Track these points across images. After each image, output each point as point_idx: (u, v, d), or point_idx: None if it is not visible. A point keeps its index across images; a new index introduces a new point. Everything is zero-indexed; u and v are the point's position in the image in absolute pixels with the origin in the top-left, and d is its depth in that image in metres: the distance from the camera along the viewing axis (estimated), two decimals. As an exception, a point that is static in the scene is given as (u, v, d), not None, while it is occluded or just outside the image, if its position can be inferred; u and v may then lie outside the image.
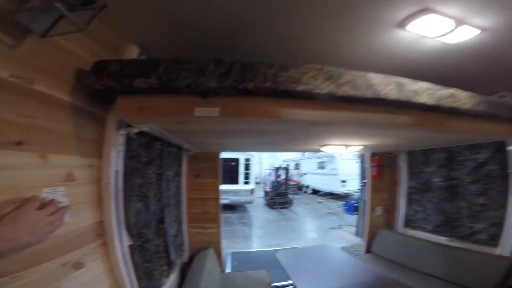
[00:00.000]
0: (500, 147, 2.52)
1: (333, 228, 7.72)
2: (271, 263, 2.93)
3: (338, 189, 12.19)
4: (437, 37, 1.53)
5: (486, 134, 1.90)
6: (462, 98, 1.43)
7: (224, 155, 8.76)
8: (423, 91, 1.29)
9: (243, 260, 4.54)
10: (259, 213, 10.22)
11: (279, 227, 8.12)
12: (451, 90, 1.42)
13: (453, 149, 2.96)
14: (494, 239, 2.55)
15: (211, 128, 1.55)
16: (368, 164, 3.77)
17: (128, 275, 1.36)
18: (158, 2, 1.29)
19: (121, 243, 1.32)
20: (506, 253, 2.39)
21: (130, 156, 1.47)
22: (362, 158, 4.09)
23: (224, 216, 9.02)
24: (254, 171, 10.33)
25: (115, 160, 1.31)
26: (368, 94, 1.15)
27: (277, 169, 11.78)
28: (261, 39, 1.72)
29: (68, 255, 1.02)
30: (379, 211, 3.83)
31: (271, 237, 6.88)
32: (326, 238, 6.87)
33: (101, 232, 1.25)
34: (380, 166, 3.75)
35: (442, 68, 2.01)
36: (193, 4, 1.30)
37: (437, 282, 2.62)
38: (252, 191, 9.65)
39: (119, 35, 1.43)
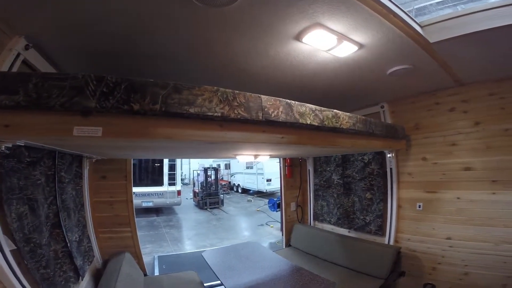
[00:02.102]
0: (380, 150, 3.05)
1: (262, 225, 8.12)
2: (203, 264, 2.93)
3: (265, 187, 12.97)
4: (327, 50, 1.76)
5: (365, 148, 2.27)
6: (343, 118, 1.68)
7: (145, 157, 8.25)
8: (310, 113, 1.46)
9: (173, 263, 4.46)
10: (188, 214, 9.99)
11: (210, 227, 8.11)
12: (335, 111, 1.65)
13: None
14: (381, 229, 3.08)
15: (101, 144, 1.42)
16: (281, 164, 4.09)
17: (18, 281, 1.30)
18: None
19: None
20: (391, 241, 2.92)
21: (7, 156, 1.32)
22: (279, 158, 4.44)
23: (148, 220, 8.54)
24: (180, 171, 10.00)
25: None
26: (260, 116, 1.23)
27: (206, 169, 11.67)
28: (170, 46, 1.72)
29: None
30: (293, 206, 4.19)
31: (202, 238, 6.82)
32: (256, 235, 7.18)
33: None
34: (291, 166, 4.11)
35: (334, 78, 2.32)
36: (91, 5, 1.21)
37: (341, 271, 2.98)
38: (178, 192, 9.35)
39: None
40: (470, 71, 2.22)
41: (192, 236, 7.14)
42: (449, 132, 2.57)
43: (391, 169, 2.99)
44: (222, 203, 11.39)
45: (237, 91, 1.21)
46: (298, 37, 1.61)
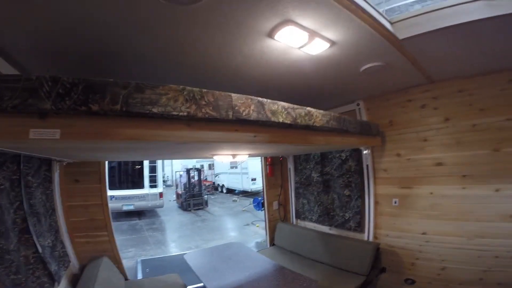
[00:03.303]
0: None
1: (248, 224, 8.10)
2: (188, 267, 2.91)
3: (250, 187, 12.95)
4: (300, 47, 1.75)
5: (340, 145, 2.29)
6: (316, 116, 1.68)
7: (124, 159, 8.02)
8: (282, 111, 1.45)
9: (157, 267, 4.37)
10: (172, 216, 9.82)
11: (195, 229, 8.00)
12: (308, 109, 1.65)
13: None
14: (360, 226, 3.12)
15: (64, 147, 1.35)
16: (262, 163, 4.08)
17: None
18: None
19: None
20: (370, 237, 2.96)
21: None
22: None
23: (130, 223, 8.32)
24: (162, 173, 9.81)
25: None
26: (230, 115, 1.20)
27: (188, 170, 11.51)
28: (139, 46, 1.67)
29: None
30: (275, 205, 4.20)
31: (187, 240, 6.70)
32: (243, 235, 7.16)
33: None
34: (272, 164, 4.11)
35: (310, 76, 2.32)
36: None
37: (324, 268, 3.01)
38: (161, 194, 9.17)
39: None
40: (440, 68, 2.28)
41: (176, 238, 7.01)
42: (421, 128, 2.65)
43: (367, 165, 3.04)
44: (207, 204, 11.26)
45: (205, 90, 1.17)
46: (270, 34, 1.59)
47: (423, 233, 2.61)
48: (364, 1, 1.49)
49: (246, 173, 13.10)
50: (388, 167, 2.92)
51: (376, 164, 3.02)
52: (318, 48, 1.75)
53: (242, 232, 7.49)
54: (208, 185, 15.44)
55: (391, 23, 1.74)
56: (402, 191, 2.79)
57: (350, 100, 3.19)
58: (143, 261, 4.69)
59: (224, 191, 15.83)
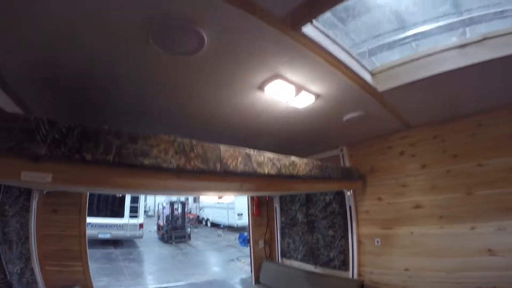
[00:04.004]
0: (340, 190, 3.21)
1: (233, 260, 7.82)
2: None
3: (236, 222, 12.73)
4: (288, 101, 1.86)
5: (322, 190, 2.37)
6: (300, 165, 1.76)
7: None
8: (268, 162, 1.52)
9: None
10: (151, 248, 9.36)
11: (175, 262, 7.65)
12: (292, 159, 1.74)
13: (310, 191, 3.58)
14: (344, 264, 3.13)
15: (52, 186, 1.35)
16: (249, 202, 4.12)
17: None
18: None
19: None
20: (354, 275, 2.98)
21: None
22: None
23: (105, 252, 7.84)
24: (143, 204, 9.55)
25: None
26: (218, 167, 1.26)
27: (172, 203, 11.24)
28: (133, 89, 1.72)
29: None
30: (261, 244, 4.17)
31: (166, 273, 6.35)
32: (227, 270, 6.88)
33: None
34: (258, 205, 4.17)
35: (296, 125, 2.44)
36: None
37: None
38: (141, 225, 8.83)
39: None
40: (416, 115, 2.44)
41: (154, 271, 6.64)
42: (400, 174, 2.79)
43: (350, 207, 3.12)
44: (189, 237, 10.86)
45: (195, 142, 1.23)
46: (260, 87, 1.69)
47: (406, 269, 2.65)
48: (348, 54, 1.62)
49: (233, 208, 12.95)
50: (370, 210, 3.01)
51: (358, 207, 3.10)
52: (305, 101, 1.87)
53: (226, 267, 7.20)
54: (192, 218, 15.03)
55: (372, 75, 1.87)
56: (384, 232, 2.86)
57: (334, 146, 3.33)
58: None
59: (209, 225, 15.51)
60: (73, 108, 1.92)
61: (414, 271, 2.60)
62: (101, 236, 8.21)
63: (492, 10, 1.66)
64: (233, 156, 1.34)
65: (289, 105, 1.96)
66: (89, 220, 7.73)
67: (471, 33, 1.78)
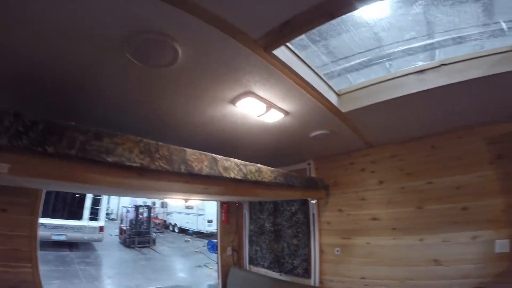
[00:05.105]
0: (305, 201, 3.36)
1: (200, 266, 7.68)
2: None
3: (205, 228, 12.53)
4: (258, 116, 1.94)
5: (287, 197, 2.47)
6: (265, 172, 1.84)
7: (66, 188, 7.33)
8: (234, 167, 1.58)
9: None
10: (111, 252, 8.91)
11: (137, 267, 7.37)
12: (258, 166, 1.81)
13: (278, 201, 3.72)
14: (307, 272, 3.24)
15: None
16: (218, 210, 4.14)
17: None
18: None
19: None
20: (316, 283, 3.10)
21: None
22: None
23: (58, 254, 7.34)
24: (106, 207, 9.11)
25: None
26: (182, 169, 1.29)
27: (137, 207, 10.82)
28: (105, 90, 1.67)
29: None
30: (229, 251, 4.18)
31: (126, 278, 6.13)
32: (194, 276, 6.77)
33: None
34: (228, 212, 4.19)
35: (266, 138, 2.53)
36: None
37: None
38: (101, 228, 8.37)
39: None
40: (377, 135, 2.64)
41: (113, 275, 6.34)
42: (360, 188, 2.99)
43: (314, 216, 3.27)
44: (154, 243, 10.47)
45: (161, 143, 1.25)
46: (233, 102, 1.75)
47: (362, 278, 2.80)
48: (317, 75, 1.73)
49: (203, 214, 12.74)
50: (332, 221, 3.17)
51: (321, 217, 3.26)
52: (274, 117, 1.97)
53: (193, 273, 7.06)
54: (159, 223, 14.54)
55: (338, 95, 2.00)
56: (343, 241, 3.02)
57: (302, 160, 3.48)
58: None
59: (176, 230, 15.04)
60: (51, 107, 1.84)
61: (370, 279, 2.76)
62: (54, 238, 7.66)
63: (459, 34, 1.73)
64: (199, 159, 1.38)
65: (259, 120, 2.03)
66: (43, 220, 7.25)
67: (439, 55, 1.88)
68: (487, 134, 2.32)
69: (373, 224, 2.84)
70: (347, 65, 2.12)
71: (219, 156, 1.52)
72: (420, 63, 1.84)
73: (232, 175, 1.54)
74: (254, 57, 1.31)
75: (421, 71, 1.74)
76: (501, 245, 2.16)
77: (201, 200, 2.40)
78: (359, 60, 2.09)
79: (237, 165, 1.61)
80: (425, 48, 1.89)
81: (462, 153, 2.42)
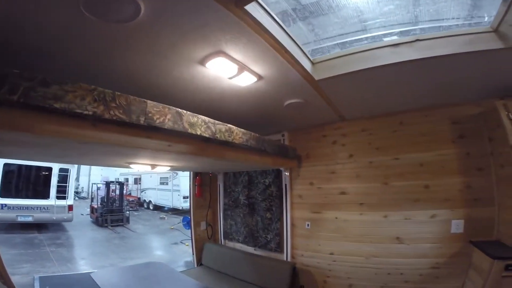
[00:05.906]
0: (279, 173, 3.38)
1: (176, 243, 7.67)
2: (96, 286, 2.57)
3: (181, 204, 12.41)
4: (230, 78, 1.84)
5: (258, 163, 2.44)
6: (236, 133, 1.79)
7: (28, 162, 6.89)
8: (201, 124, 1.51)
9: (59, 285, 4.00)
10: (83, 232, 8.65)
11: (111, 246, 7.22)
12: (229, 126, 1.74)
13: (252, 173, 3.70)
14: (279, 247, 3.31)
15: None
16: (191, 183, 4.05)
17: None
18: None
19: None
20: (288, 257, 3.17)
21: None
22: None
23: (26, 237, 7.02)
24: (75, 183, 8.72)
25: None
26: (141, 121, 1.21)
27: (108, 183, 10.46)
28: (64, 48, 1.52)
29: None
30: (203, 225, 4.15)
31: (100, 258, 5.97)
32: (170, 253, 6.76)
33: None
34: (201, 185, 4.12)
35: (239, 104, 2.45)
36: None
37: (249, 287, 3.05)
38: (70, 207, 8.05)
39: None
40: (349, 108, 2.65)
41: (87, 255, 6.18)
42: (331, 162, 3.04)
43: (286, 187, 3.30)
44: (128, 221, 10.26)
45: (119, 93, 1.16)
46: (202, 62, 1.64)
47: (331, 253, 2.90)
48: (291, 40, 1.65)
49: (178, 190, 12.56)
50: (303, 194, 3.22)
51: (293, 191, 3.30)
52: (247, 80, 1.88)
53: (169, 251, 7.04)
54: (132, 201, 14.20)
55: (313, 63, 1.95)
56: (313, 215, 3.09)
57: (277, 130, 3.46)
58: (41, 278, 4.14)
59: (151, 207, 14.74)
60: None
61: (338, 255, 2.86)
62: (20, 219, 7.23)
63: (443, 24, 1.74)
64: (161, 112, 1.29)
65: (232, 83, 1.94)
66: (6, 201, 6.83)
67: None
68: (451, 114, 2.42)
69: (341, 198, 2.91)
70: (332, 43, 2.02)
71: (185, 111, 1.44)
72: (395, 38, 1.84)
73: (199, 132, 1.47)
74: (224, 12, 1.21)
75: (396, 44, 1.75)
76: (456, 225, 2.30)
77: (169, 166, 2.31)
78: (345, 39, 2.00)
79: (205, 122, 1.54)
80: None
81: (427, 131, 2.52)
